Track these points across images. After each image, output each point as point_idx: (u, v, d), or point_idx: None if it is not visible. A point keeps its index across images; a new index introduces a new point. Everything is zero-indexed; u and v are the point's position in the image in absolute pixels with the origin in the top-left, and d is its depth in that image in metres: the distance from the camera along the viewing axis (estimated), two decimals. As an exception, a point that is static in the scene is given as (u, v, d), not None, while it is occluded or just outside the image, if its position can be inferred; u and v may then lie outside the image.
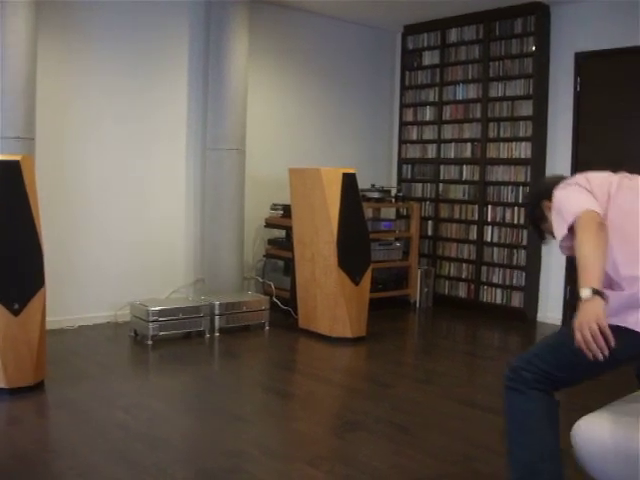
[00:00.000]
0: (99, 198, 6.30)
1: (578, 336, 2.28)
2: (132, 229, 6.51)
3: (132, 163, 6.47)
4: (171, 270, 6.78)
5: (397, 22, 8.17)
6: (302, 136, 7.71)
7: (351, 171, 6.10)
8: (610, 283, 2.50)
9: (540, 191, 3.06)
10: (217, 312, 6.08)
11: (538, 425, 2.57)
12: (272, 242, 7.26)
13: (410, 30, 8.30)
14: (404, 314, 7.48)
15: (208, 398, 4.54)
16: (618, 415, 2.49)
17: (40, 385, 4.50)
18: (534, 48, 7.13)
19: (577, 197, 2.65)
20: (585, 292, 2.31)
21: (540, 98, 7.17)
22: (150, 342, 5.70)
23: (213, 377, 5.09)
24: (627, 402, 2.66)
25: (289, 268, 6.83)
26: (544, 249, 7.09)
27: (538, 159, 7.17)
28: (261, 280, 7.29)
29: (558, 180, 2.93)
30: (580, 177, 2.83)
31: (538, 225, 3.08)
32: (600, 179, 2.81)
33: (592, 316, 2.25)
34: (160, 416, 4.15)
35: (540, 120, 7.19)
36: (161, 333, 5.77)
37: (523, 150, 7.24)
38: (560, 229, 2.62)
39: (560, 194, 2.75)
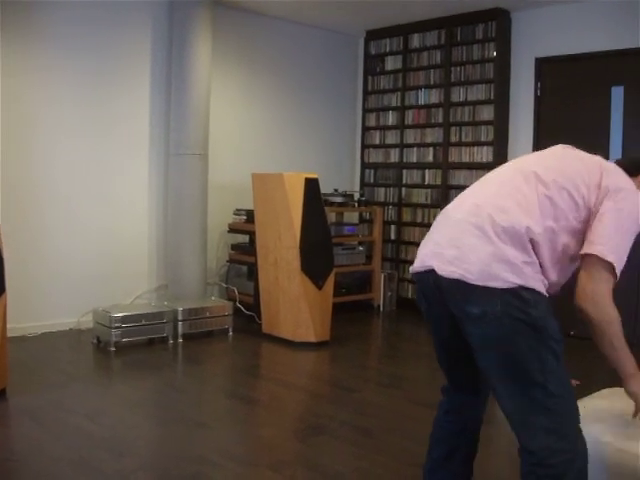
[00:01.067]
0: (62, 205, 6.25)
1: None
2: (95, 235, 6.46)
3: (94, 169, 6.43)
4: (134, 276, 6.74)
5: (360, 27, 8.21)
6: (265, 141, 7.71)
7: (313, 176, 6.11)
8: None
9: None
10: (180, 318, 6.06)
11: None
12: (235, 247, 7.25)
13: (373, 35, 8.34)
14: (368, 318, 7.50)
15: (171, 404, 4.52)
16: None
17: (2, 393, 4.44)
18: (495, 53, 7.20)
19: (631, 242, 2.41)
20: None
21: (501, 103, 7.24)
22: (113, 349, 5.66)
23: (176, 383, 5.06)
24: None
25: (252, 273, 6.82)
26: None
27: (499, 163, 7.11)
28: (224, 285, 7.27)
29: None
30: None
31: None
32: None
33: None
34: (123, 423, 4.12)
35: (501, 125, 7.26)
36: (124, 339, 5.73)
37: (485, 154, 7.31)
38: (620, 258, 2.36)
39: (633, 218, 2.42)
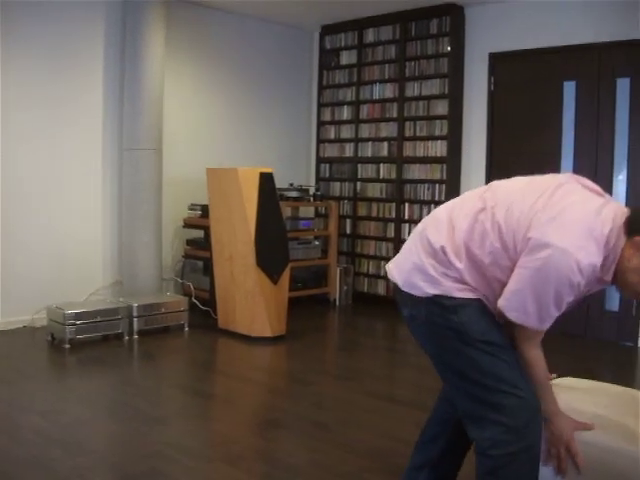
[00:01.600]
0: (14, 201, 6.16)
1: (553, 452, 2.42)
2: (49, 232, 6.39)
3: (48, 165, 6.35)
4: (89, 273, 6.68)
5: (315, 22, 8.22)
6: (220, 136, 7.69)
7: (268, 170, 6.11)
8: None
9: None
10: (135, 314, 6.01)
11: None
12: (191, 242, 7.21)
13: (328, 30, 8.35)
14: (324, 312, 7.52)
15: (127, 401, 4.50)
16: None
17: (-48, 392, 4.40)
18: (449, 48, 7.25)
19: (558, 304, 2.27)
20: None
21: (455, 97, 7.30)
22: (68, 346, 5.61)
23: (132, 380, 5.04)
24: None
25: (208, 268, 6.80)
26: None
27: (453, 157, 7.30)
28: (180, 281, 7.24)
29: None
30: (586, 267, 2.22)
31: None
32: None
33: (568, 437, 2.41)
34: (78, 421, 4.09)
35: (455, 119, 7.32)
36: (79, 336, 5.68)
37: (439, 149, 7.36)
38: (525, 321, 2.31)
39: (551, 282, 2.23)
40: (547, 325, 2.30)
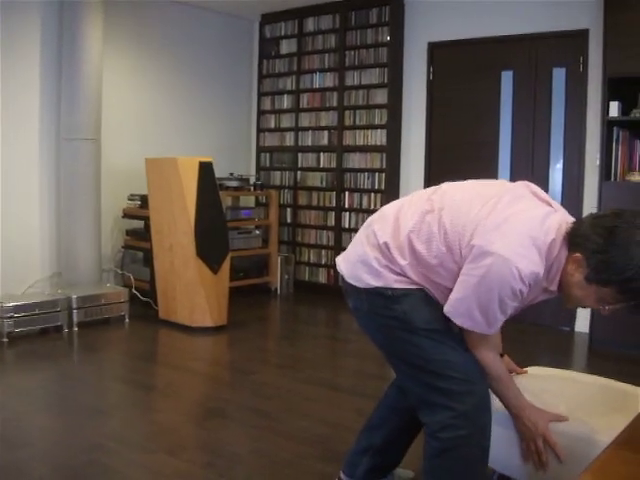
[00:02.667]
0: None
1: (532, 447, 2.44)
2: (-17, 223, 6.29)
3: (-19, 154, 6.25)
4: (26, 265, 6.58)
5: (255, 10, 8.19)
6: (160, 125, 7.62)
7: (207, 160, 6.09)
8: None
9: (587, 238, 2.22)
10: (75, 306, 5.95)
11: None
12: (130, 233, 7.16)
13: (268, 19, 8.33)
14: (265, 301, 7.53)
15: (67, 394, 4.46)
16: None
17: None
18: (389, 38, 7.30)
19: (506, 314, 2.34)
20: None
21: (395, 87, 7.35)
22: (5, 339, 5.52)
23: (72, 372, 4.99)
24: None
25: (148, 259, 6.76)
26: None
27: (393, 146, 7.35)
28: (120, 272, 7.18)
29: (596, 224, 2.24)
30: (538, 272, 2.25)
31: None
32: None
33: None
34: (16, 414, 4.04)
35: (395, 108, 7.37)
36: (17, 330, 5.60)
37: (379, 137, 7.41)
38: (473, 326, 2.34)
39: (492, 288, 2.24)
40: (495, 329, 2.34)
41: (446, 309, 2.36)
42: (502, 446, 2.53)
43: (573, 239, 2.22)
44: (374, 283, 2.45)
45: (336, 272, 7.64)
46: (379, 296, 2.46)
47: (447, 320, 2.40)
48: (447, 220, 2.35)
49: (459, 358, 2.41)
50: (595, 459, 1.45)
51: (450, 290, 2.36)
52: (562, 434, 2.41)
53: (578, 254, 2.19)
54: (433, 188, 2.56)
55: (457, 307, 2.32)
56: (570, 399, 2.61)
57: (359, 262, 2.52)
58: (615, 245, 2.12)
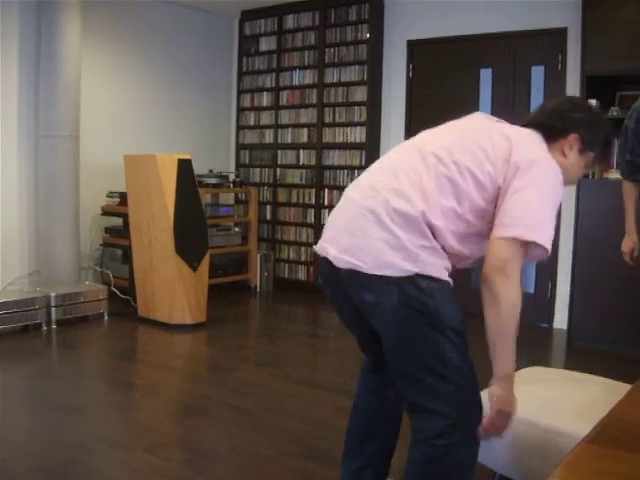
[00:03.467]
0: None
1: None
2: (-40, 220, 6.25)
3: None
4: (5, 262, 6.54)
5: (234, 7, 8.18)
6: (139, 122, 7.59)
7: (187, 157, 6.08)
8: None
9: (575, 120, 2.46)
10: (53, 304, 5.92)
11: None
12: (109, 230, 7.13)
13: (247, 16, 8.32)
14: (245, 299, 7.53)
15: (46, 392, 4.44)
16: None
17: None
18: (368, 35, 7.31)
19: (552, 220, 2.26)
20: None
21: (374, 84, 7.37)
22: (-17, 337, 5.52)
23: (51, 370, 4.97)
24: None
25: (127, 256, 6.74)
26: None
27: (372, 143, 7.37)
28: (99, 269, 7.16)
29: (595, 119, 2.50)
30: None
31: None
32: None
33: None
34: (-7, 412, 4.03)
35: (374, 105, 7.39)
36: (-6, 327, 5.59)
37: (358, 135, 7.43)
38: (549, 241, 2.22)
39: (553, 190, 2.27)
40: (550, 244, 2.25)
41: (514, 232, 2.17)
42: (503, 448, 2.54)
43: (553, 129, 2.45)
44: (411, 268, 2.20)
45: (316, 269, 7.65)
46: (413, 286, 2.21)
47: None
48: (467, 160, 2.29)
49: (470, 367, 2.29)
50: (568, 454, 1.46)
51: (481, 237, 2.32)
52: (532, 423, 2.45)
53: (573, 135, 2.43)
54: (407, 143, 2.51)
55: (525, 223, 2.17)
56: (557, 394, 2.63)
57: (387, 246, 2.22)
58: (597, 113, 2.53)
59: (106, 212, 7.07)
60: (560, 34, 6.28)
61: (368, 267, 2.24)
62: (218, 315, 6.46)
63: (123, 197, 6.68)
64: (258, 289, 7.84)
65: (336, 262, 2.34)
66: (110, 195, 7.05)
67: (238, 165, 8.49)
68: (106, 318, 6.26)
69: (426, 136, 2.49)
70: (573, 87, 6.12)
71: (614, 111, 5.66)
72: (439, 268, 2.24)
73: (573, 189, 5.83)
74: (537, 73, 6.50)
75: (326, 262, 2.39)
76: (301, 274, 7.92)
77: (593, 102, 5.58)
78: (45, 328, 5.86)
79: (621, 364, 5.10)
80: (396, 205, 2.24)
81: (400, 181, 2.29)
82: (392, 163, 2.41)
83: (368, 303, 2.31)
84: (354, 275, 2.28)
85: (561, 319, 6.25)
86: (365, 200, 2.31)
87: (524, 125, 2.49)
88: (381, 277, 2.23)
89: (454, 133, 2.44)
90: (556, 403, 2.60)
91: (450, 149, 2.31)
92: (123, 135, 7.38)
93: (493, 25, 6.60)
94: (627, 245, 4.39)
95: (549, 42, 6.37)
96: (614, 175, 5.58)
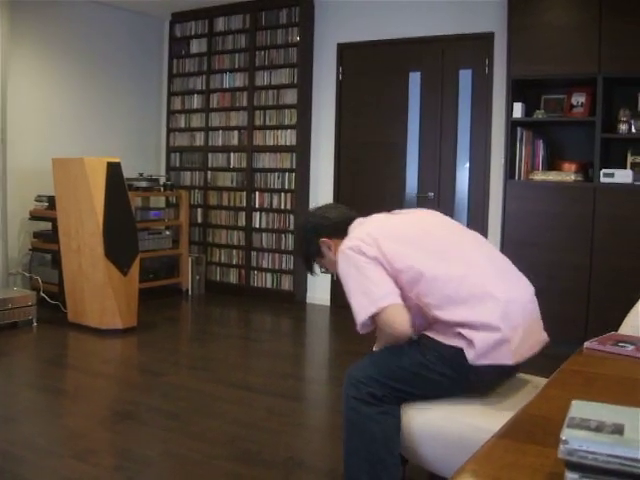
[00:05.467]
0: None
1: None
2: None
3: None
4: None
5: (165, 9, 8.14)
6: (68, 125, 7.50)
7: (115, 160, 6.03)
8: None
9: (316, 226, 2.89)
10: (-20, 310, 5.84)
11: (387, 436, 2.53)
12: (38, 235, 7.02)
13: (178, 18, 8.29)
14: (176, 302, 7.50)
15: (-29, 399, 4.38)
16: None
17: None
18: (298, 38, 7.37)
19: (373, 278, 2.53)
20: None
21: (304, 87, 7.42)
22: None
23: (-24, 377, 4.90)
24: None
25: (56, 261, 6.66)
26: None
27: (303, 146, 7.42)
28: (28, 275, 7.05)
29: (338, 219, 2.88)
30: (362, 238, 2.62)
31: (311, 259, 2.96)
32: (386, 227, 2.72)
33: None
34: None
35: (304, 108, 7.43)
36: None
37: (288, 137, 7.47)
38: (362, 313, 2.52)
39: (348, 270, 2.59)
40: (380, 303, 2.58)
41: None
42: (432, 446, 2.58)
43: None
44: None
45: (248, 271, 7.67)
46: None
47: None
48: None
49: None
50: (480, 447, 1.51)
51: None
52: (457, 421, 2.49)
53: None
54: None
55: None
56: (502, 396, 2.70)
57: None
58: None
59: (34, 216, 6.97)
60: (487, 38, 6.41)
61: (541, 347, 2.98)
62: (149, 319, 6.42)
63: (52, 201, 6.59)
64: (190, 293, 7.82)
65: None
66: (39, 199, 6.95)
67: (169, 168, 8.45)
68: (35, 324, 6.17)
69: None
70: (499, 91, 6.27)
71: (539, 114, 5.79)
72: None
73: (499, 189, 5.95)
74: (465, 77, 6.63)
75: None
76: (233, 277, 7.92)
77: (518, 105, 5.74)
78: (-28, 335, 5.77)
79: (547, 362, 5.20)
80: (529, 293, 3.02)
81: (496, 267, 2.82)
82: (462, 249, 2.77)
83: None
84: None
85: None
86: None
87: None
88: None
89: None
90: (482, 401, 2.65)
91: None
92: (52, 138, 7.28)
93: (422, 29, 6.71)
94: None
95: (477, 46, 6.50)
96: (539, 176, 5.71)
